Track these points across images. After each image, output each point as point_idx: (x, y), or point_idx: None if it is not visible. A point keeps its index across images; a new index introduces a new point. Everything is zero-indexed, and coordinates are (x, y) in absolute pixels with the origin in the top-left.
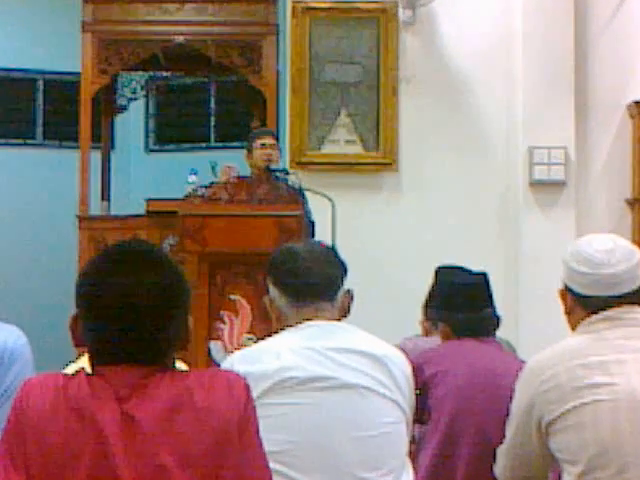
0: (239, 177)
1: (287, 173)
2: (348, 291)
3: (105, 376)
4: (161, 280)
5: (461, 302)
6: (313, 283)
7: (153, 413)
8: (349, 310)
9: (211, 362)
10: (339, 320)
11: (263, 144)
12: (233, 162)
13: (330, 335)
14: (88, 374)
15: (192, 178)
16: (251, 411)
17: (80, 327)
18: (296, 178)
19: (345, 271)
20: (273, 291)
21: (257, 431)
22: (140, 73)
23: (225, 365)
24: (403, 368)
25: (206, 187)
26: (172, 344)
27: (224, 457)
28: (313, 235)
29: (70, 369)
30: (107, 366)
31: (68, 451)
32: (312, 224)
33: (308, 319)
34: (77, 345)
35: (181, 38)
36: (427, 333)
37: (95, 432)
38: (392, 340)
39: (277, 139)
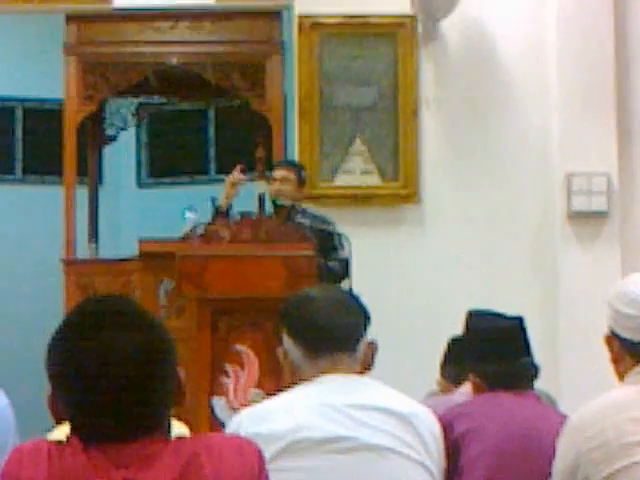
0: (243, 214)
1: (293, 208)
2: (372, 342)
3: (101, 448)
4: (143, 339)
5: (494, 350)
6: (331, 333)
7: None
8: (373, 362)
9: (214, 422)
10: (361, 374)
11: (274, 178)
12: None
13: (350, 390)
14: (84, 443)
15: (190, 215)
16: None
17: (59, 404)
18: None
19: (368, 319)
20: (287, 342)
21: None
22: (130, 99)
23: (232, 425)
24: (431, 427)
25: (206, 225)
26: (165, 405)
27: None
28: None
29: (58, 434)
30: (98, 444)
31: None
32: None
33: (325, 372)
34: (60, 423)
35: (175, 59)
36: (445, 392)
37: None
38: (416, 395)
39: (295, 169)
